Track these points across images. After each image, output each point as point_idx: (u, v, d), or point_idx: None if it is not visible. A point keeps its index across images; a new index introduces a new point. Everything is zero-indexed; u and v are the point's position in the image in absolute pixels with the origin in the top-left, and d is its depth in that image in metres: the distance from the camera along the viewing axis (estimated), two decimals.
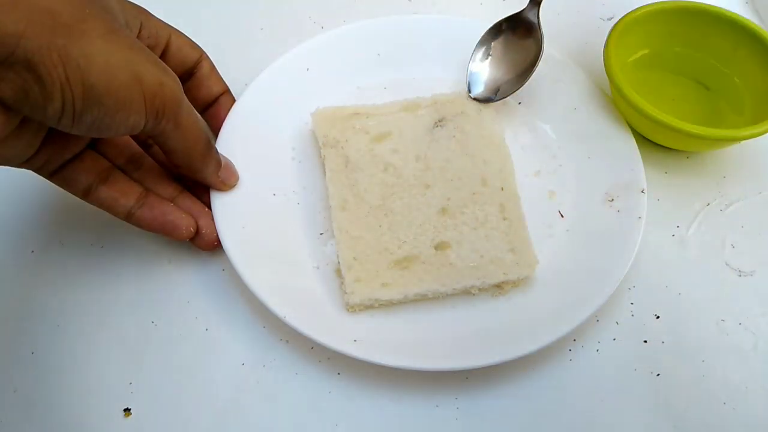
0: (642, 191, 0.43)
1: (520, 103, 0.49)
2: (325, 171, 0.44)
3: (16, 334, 0.41)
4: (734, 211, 0.47)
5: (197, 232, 0.41)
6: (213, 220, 0.41)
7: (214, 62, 0.45)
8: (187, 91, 0.40)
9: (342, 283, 0.41)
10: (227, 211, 0.42)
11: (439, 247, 0.42)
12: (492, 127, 0.46)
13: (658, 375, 0.40)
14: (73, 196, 0.38)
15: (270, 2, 0.56)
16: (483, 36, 0.48)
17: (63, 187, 0.38)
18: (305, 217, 0.44)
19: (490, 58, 0.48)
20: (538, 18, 0.47)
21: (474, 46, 0.49)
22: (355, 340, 0.38)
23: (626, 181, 0.44)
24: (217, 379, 0.40)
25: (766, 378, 0.40)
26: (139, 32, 0.38)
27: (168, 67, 0.34)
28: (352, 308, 0.40)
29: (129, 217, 0.39)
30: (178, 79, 0.35)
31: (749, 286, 0.44)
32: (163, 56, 0.41)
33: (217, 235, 0.41)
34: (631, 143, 0.45)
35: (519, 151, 0.47)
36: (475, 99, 0.47)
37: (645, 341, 0.42)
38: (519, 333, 0.39)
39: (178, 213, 0.40)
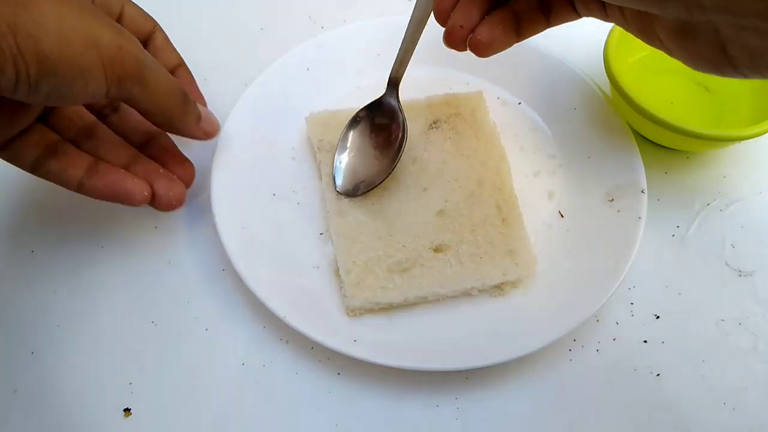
0: (642, 191, 0.43)
1: (520, 103, 0.49)
2: (321, 176, 0.44)
3: (16, 334, 0.41)
4: (734, 211, 0.47)
5: (153, 195, 0.39)
6: (172, 180, 0.40)
7: (213, 62, 0.45)
8: None
9: (341, 286, 0.41)
10: (227, 211, 0.42)
11: (438, 249, 0.42)
12: (486, 127, 0.46)
13: (658, 375, 0.40)
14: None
15: (270, 2, 0.56)
16: (344, 128, 0.45)
17: (10, 162, 0.37)
18: (305, 217, 0.44)
19: (349, 150, 0.44)
20: (398, 100, 0.44)
21: None
22: (355, 340, 0.38)
23: (626, 181, 0.44)
24: (217, 379, 0.40)
25: (766, 378, 0.40)
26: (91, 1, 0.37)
27: (125, 30, 0.33)
28: (352, 312, 0.40)
29: (80, 188, 0.38)
30: (137, 40, 0.33)
31: (749, 286, 0.44)
32: (119, 20, 0.40)
33: (179, 195, 0.39)
34: (631, 143, 0.45)
35: (519, 151, 0.47)
36: (340, 193, 0.44)
37: (645, 341, 0.42)
38: (519, 333, 0.39)
39: (130, 179, 0.38)
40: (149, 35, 0.42)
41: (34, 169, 0.37)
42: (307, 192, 0.45)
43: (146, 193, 0.38)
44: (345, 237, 0.42)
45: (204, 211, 0.44)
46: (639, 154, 0.45)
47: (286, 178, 0.46)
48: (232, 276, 0.42)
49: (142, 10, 0.42)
